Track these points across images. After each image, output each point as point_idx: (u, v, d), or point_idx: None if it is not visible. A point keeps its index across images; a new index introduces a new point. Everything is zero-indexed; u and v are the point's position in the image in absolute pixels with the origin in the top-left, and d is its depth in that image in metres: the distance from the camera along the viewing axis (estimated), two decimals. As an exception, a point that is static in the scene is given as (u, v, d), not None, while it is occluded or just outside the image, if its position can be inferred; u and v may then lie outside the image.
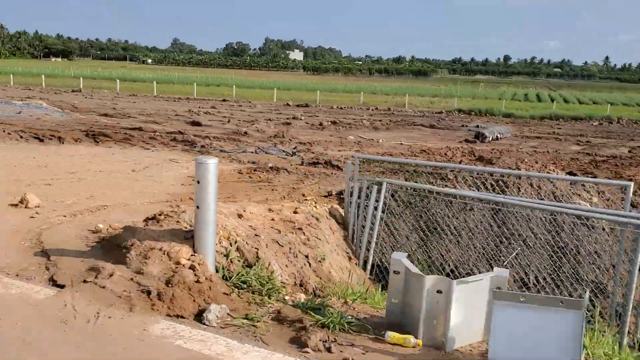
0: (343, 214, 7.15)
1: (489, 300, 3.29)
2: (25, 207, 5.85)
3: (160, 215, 4.57)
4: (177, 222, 4.40)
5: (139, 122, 20.81)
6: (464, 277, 6.78)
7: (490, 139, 22.10)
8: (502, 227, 6.88)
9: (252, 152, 14.85)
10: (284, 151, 15.48)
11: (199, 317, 3.43)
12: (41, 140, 13.74)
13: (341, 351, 3.10)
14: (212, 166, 3.84)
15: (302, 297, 4.03)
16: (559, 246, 6.66)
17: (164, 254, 3.90)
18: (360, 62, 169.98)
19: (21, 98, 27.51)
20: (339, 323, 3.34)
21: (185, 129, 19.09)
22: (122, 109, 26.36)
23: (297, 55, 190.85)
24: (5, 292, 3.63)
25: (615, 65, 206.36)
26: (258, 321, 3.41)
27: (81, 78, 43.85)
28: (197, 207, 3.89)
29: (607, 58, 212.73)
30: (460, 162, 15.30)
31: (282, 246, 5.02)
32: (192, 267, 3.78)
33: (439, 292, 3.22)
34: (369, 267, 6.59)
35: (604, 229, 6.79)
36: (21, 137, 14.09)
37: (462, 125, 27.60)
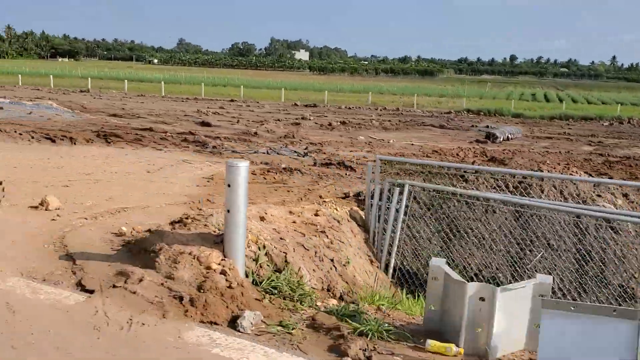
0: (363, 216, 7.07)
1: (531, 307, 3.20)
2: (46, 210, 5.80)
3: (186, 218, 4.50)
4: (205, 225, 4.32)
5: (148, 122, 20.79)
6: (487, 281, 6.68)
7: (501, 139, 21.95)
8: (525, 230, 6.77)
9: (264, 153, 14.77)
10: (295, 152, 15.40)
11: (233, 323, 3.35)
12: (53, 141, 13.71)
13: (381, 360, 3.02)
14: (243, 169, 3.76)
15: (333, 303, 3.95)
16: (584, 249, 6.55)
17: (194, 258, 3.82)
18: (366, 62, 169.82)
19: (30, 98, 27.57)
20: (377, 331, 3.25)
21: (196, 130, 19.04)
22: (131, 109, 26.37)
23: (302, 55, 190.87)
24: (35, 298, 3.57)
25: (622, 64, 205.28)
26: (293, 328, 3.33)
27: (89, 78, 43.93)
28: (228, 210, 3.81)
29: (614, 58, 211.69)
30: (472, 163, 15.18)
31: (308, 250, 4.93)
32: (223, 272, 3.70)
33: (481, 299, 3.13)
34: (390, 270, 6.50)
35: (629, 232, 6.67)
36: (33, 137, 14.08)
37: (472, 126, 27.45)
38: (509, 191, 7.14)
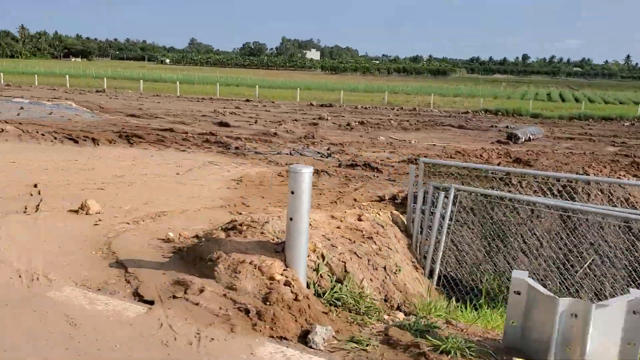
0: (404, 220, 6.88)
1: (625, 325, 3.00)
2: (86, 214, 5.68)
3: (240, 225, 4.34)
4: (262, 233, 4.16)
5: (167, 122, 20.74)
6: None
7: (523, 140, 21.63)
8: (572, 236, 6.55)
9: (287, 154, 14.63)
10: (318, 152, 15.24)
11: (303, 339, 3.18)
12: (76, 142, 13.66)
13: (466, 380, 2.84)
14: (307, 176, 3.59)
15: (400, 316, 3.77)
16: (636, 256, 6.32)
17: (255, 268, 3.66)
18: (378, 62, 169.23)
19: (48, 98, 27.67)
20: (458, 348, 3.07)
21: (215, 130, 18.95)
22: (148, 109, 26.35)
23: (313, 54, 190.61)
24: (93, 309, 3.42)
25: (637, 64, 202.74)
26: (367, 345, 3.15)
27: (105, 78, 44.08)
28: (291, 218, 3.65)
29: (628, 57, 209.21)
30: (498, 164, 14.93)
31: (360, 258, 4.76)
32: (287, 284, 3.54)
33: (573, 315, 2.94)
34: (435, 277, 6.31)
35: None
36: (55, 138, 14.04)
37: (491, 126, 27.13)
38: (553, 195, 6.92)
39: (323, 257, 4.06)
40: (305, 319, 3.30)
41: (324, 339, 3.15)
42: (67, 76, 44.23)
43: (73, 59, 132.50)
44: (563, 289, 6.26)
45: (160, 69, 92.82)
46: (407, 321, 3.51)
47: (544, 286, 6.34)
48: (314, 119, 25.91)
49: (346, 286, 3.87)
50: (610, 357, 3.07)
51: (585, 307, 2.92)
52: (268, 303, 3.37)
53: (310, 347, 3.12)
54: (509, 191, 7.18)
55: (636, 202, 6.76)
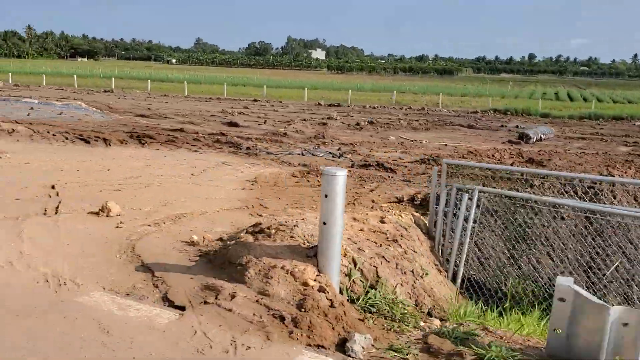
0: (426, 222, 6.78)
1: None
2: (107, 216, 5.60)
3: (268, 228, 4.25)
4: (292, 237, 4.07)
5: (177, 122, 20.69)
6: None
7: (535, 140, 21.44)
8: (599, 238, 6.43)
9: (299, 154, 14.53)
10: (330, 153, 15.14)
11: (341, 347, 3.09)
12: (87, 142, 13.62)
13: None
14: (341, 178, 3.50)
15: (436, 322, 3.67)
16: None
17: (287, 273, 3.57)
18: (383, 61, 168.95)
19: (57, 98, 27.69)
20: (503, 357, 2.97)
21: (225, 130, 18.88)
22: (157, 109, 26.31)
23: (319, 54, 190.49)
24: (124, 315, 3.34)
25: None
26: (408, 353, 3.06)
27: (112, 78, 44.14)
28: (324, 222, 3.55)
29: (635, 56, 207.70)
30: (511, 164, 14.79)
31: (389, 261, 4.66)
32: (322, 290, 3.45)
33: (624, 324, 2.83)
34: (459, 280, 6.20)
35: None
36: (67, 138, 14.00)
37: (501, 126, 26.95)
38: (577, 197, 6.80)
39: (354, 261, 3.96)
40: (342, 327, 3.21)
41: (363, 347, 3.06)
42: (75, 76, 44.30)
43: (79, 59, 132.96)
44: (590, 293, 6.13)
45: (167, 69, 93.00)
46: (445, 328, 3.41)
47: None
48: (322, 118, 25.81)
49: (379, 292, 3.77)
50: (661, 367, 2.96)
51: (637, 316, 2.81)
52: (303, 310, 3.28)
53: (349, 356, 3.03)
54: (534, 193, 7.06)
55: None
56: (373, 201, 8.32)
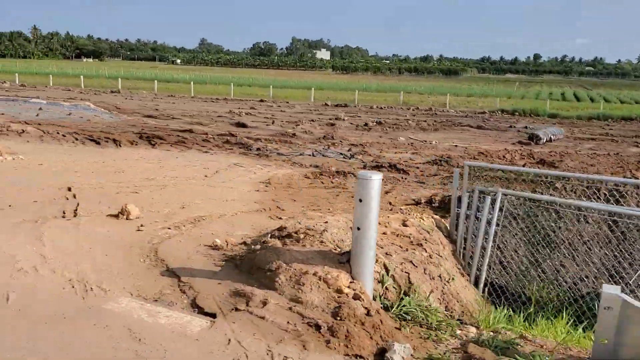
0: (447, 225, 6.67)
1: None
2: (127, 219, 5.53)
3: (296, 232, 4.16)
4: (322, 242, 3.97)
5: (185, 123, 20.65)
6: (586, 295, 6.24)
7: (544, 140, 21.29)
8: (624, 242, 6.31)
9: (310, 155, 14.45)
10: (341, 154, 15.05)
11: (380, 357, 3.00)
12: (97, 143, 13.58)
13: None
14: (377, 182, 3.40)
15: (472, 330, 3.57)
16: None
17: (320, 280, 3.48)
18: (388, 61, 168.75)
19: (64, 99, 27.69)
20: (549, 368, 2.87)
21: (234, 131, 18.81)
22: (164, 110, 26.28)
23: (324, 54, 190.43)
24: (154, 322, 3.26)
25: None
26: (449, 363, 2.96)
27: (119, 79, 44.17)
28: (358, 228, 3.46)
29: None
30: (523, 165, 14.67)
31: (417, 267, 4.56)
32: (357, 297, 3.35)
33: (678, 336, 2.73)
34: (481, 285, 6.09)
35: None
36: (76, 139, 13.97)
37: (510, 126, 26.81)
38: (602, 200, 6.69)
39: (386, 267, 3.87)
40: (380, 336, 3.12)
41: (403, 357, 2.97)
42: (81, 77, 44.36)
43: (85, 60, 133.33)
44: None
45: (172, 69, 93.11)
46: (483, 337, 3.31)
47: (597, 295, 6.12)
48: (330, 119, 25.72)
49: (413, 299, 3.68)
50: None
51: (692, 326, 2.70)
52: (339, 318, 3.18)
53: (389, 366, 2.93)
54: (550, 194, 6.96)
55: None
56: (390, 203, 8.22)
